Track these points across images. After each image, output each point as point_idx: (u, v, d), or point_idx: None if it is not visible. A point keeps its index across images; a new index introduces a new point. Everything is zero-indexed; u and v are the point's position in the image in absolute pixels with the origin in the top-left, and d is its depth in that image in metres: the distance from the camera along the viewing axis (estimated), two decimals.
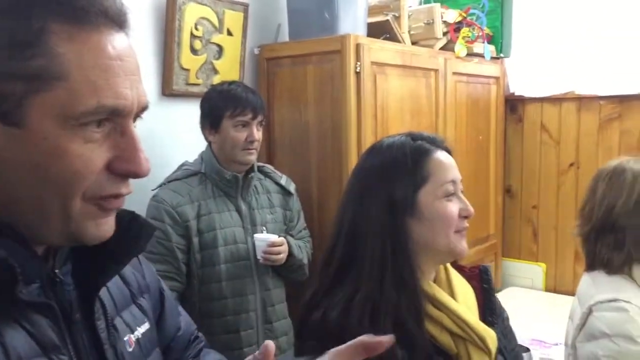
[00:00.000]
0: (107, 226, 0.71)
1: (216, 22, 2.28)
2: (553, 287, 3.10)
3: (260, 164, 2.14)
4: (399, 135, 1.17)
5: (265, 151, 2.45)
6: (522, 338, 2.30)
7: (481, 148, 3.00)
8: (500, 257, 3.21)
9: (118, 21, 0.69)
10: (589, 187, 1.56)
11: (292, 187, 2.16)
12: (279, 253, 1.95)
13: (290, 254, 2.00)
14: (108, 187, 0.68)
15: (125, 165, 0.69)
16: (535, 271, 3.16)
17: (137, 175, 0.70)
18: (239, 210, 1.99)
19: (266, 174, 2.13)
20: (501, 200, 3.19)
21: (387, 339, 0.72)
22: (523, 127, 3.18)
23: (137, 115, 0.72)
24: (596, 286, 1.47)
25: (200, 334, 1.04)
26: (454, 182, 1.12)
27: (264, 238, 1.96)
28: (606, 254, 1.46)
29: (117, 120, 0.68)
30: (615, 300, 1.39)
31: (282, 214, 2.11)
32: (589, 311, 1.43)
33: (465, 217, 1.12)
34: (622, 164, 1.51)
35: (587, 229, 1.52)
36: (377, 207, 1.09)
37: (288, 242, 2.01)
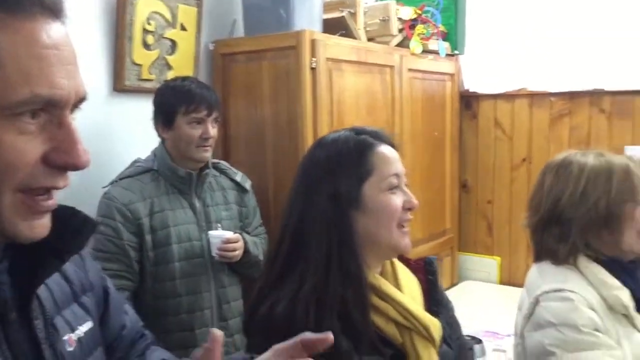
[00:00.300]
0: (40, 228, 0.69)
1: (169, 17, 2.25)
2: (507, 279, 3.17)
3: (215, 160, 2.12)
4: (343, 130, 1.20)
5: (221, 147, 2.43)
6: (476, 330, 2.35)
7: (437, 144, 3.03)
8: (456, 251, 3.26)
9: (54, 10, 0.68)
10: (538, 180, 1.59)
11: (247, 184, 2.15)
12: (234, 250, 1.94)
13: (246, 250, 1.99)
14: (43, 179, 0.67)
15: (63, 157, 0.67)
16: (490, 264, 3.22)
17: (76, 167, 0.68)
18: (193, 208, 1.97)
19: (221, 171, 2.11)
20: (457, 195, 3.24)
21: (329, 337, 0.73)
22: (478, 123, 3.24)
23: (75, 106, 0.70)
24: (543, 277, 1.50)
25: (147, 332, 1.02)
26: (397, 175, 1.15)
27: (218, 235, 1.94)
28: (552, 244, 1.49)
29: (53, 111, 0.67)
30: (560, 290, 1.42)
31: (238, 210, 2.10)
32: (536, 301, 1.46)
33: (409, 210, 1.14)
34: (569, 157, 1.54)
35: (535, 220, 1.55)
36: (322, 201, 1.11)
37: (244, 239, 2.00)
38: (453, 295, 3.10)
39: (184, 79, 1.99)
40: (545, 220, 1.52)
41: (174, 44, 2.29)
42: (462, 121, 3.25)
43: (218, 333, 0.73)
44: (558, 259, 1.48)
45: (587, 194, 1.45)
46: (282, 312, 1.04)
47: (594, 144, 2.85)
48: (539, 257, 1.56)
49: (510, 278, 3.16)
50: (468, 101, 3.24)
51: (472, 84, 3.24)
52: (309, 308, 1.04)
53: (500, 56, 3.12)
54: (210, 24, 2.47)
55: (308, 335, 0.75)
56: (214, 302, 1.97)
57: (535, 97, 3.05)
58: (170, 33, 2.27)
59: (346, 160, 1.13)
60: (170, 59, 2.29)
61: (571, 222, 1.46)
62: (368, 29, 2.71)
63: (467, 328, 2.36)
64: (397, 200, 1.13)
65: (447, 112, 3.11)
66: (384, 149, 1.16)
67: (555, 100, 2.99)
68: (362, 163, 1.13)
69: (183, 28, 2.31)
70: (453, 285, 3.21)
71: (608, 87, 2.84)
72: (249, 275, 2.08)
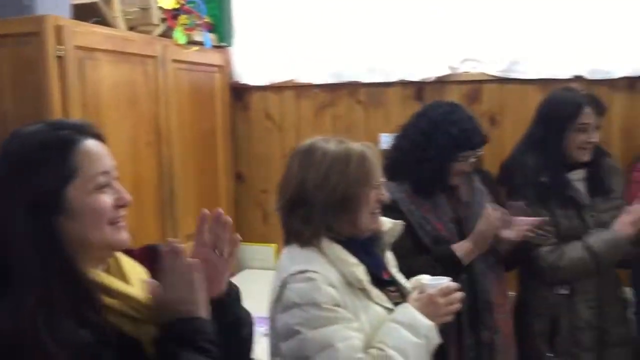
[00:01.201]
0: None
1: None
2: None
3: None
4: (42, 123, 1.09)
5: None
6: None
7: (208, 135, 3.02)
8: None
9: None
10: (287, 165, 1.65)
11: None
12: None
13: None
14: None
15: None
16: (266, 252, 3.31)
17: None
18: None
19: None
20: (232, 186, 3.27)
21: None
22: (249, 115, 3.29)
23: None
24: (290, 259, 1.56)
25: None
26: (106, 172, 1.08)
27: None
28: (298, 227, 1.56)
29: None
30: (305, 271, 1.49)
31: None
32: (284, 284, 1.52)
33: (122, 207, 1.10)
34: (314, 143, 1.62)
35: (283, 204, 1.61)
36: (21, 208, 1.00)
37: None
38: None
39: None
40: (291, 203, 1.58)
41: None
42: (234, 113, 3.28)
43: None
44: (303, 241, 1.55)
45: (328, 178, 1.54)
46: (6, 328, 0.94)
47: (354, 133, 3.06)
48: (287, 240, 1.63)
49: None
50: (239, 93, 3.28)
51: (243, 76, 3.27)
52: (37, 319, 0.95)
53: (269, 48, 3.19)
54: None
55: None
56: None
57: (301, 89, 3.18)
58: None
59: (44, 162, 1.02)
60: None
61: (314, 205, 1.54)
62: (128, 17, 2.58)
63: None
64: (107, 199, 1.07)
65: (218, 104, 3.11)
66: (90, 145, 1.07)
67: (318, 91, 3.16)
68: (64, 163, 1.03)
69: None
70: (232, 275, 3.23)
71: (363, 80, 3.06)
72: None
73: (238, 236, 1.17)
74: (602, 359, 2.17)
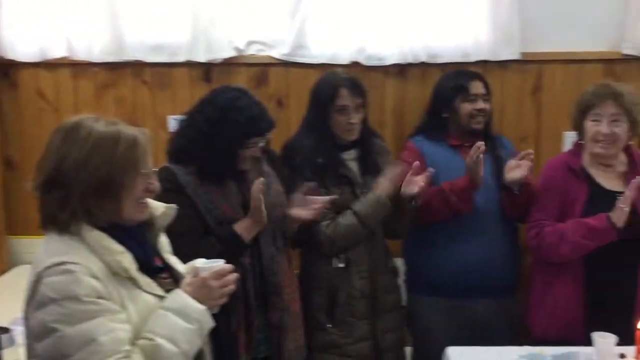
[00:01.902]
0: None
1: None
2: None
3: None
4: None
5: None
6: (16, 318, 2.14)
7: None
8: (4, 235, 2.96)
9: None
10: (48, 140, 1.51)
11: None
12: None
13: None
14: None
15: None
16: None
17: None
18: None
19: None
20: (0, 173, 2.93)
21: None
22: (18, 94, 2.97)
23: None
24: (47, 250, 1.43)
25: None
26: None
27: None
28: (54, 211, 1.43)
29: None
30: (62, 263, 1.37)
31: None
32: (38, 279, 1.38)
33: None
34: (82, 120, 1.50)
35: (39, 183, 1.47)
36: None
37: None
38: (4, 283, 2.82)
39: None
40: (48, 183, 1.45)
41: None
42: (1, 92, 2.93)
43: None
44: (59, 227, 1.43)
45: (90, 159, 1.43)
46: None
47: (140, 115, 2.93)
48: (44, 225, 1.49)
49: None
50: (4, 69, 2.93)
51: (9, 50, 2.92)
52: None
53: (40, 20, 2.89)
54: None
55: None
56: None
57: (78, 67, 2.94)
58: None
59: None
60: None
61: (72, 187, 1.42)
62: None
63: (6, 317, 2.15)
64: None
65: None
66: None
67: (98, 70, 2.95)
68: None
69: None
70: (3, 273, 2.92)
71: (148, 59, 2.92)
72: None
73: None
74: (376, 324, 2.35)
